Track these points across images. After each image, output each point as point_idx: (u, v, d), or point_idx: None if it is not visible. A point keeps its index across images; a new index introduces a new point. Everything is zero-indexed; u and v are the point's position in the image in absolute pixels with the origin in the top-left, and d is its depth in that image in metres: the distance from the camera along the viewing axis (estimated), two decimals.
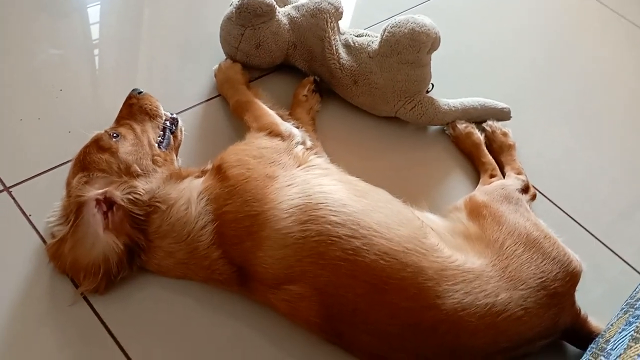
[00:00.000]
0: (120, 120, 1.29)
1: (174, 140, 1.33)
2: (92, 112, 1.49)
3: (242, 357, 1.15)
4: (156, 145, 1.26)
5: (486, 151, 1.55)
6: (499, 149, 1.56)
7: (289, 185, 1.14)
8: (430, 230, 1.17)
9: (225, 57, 1.61)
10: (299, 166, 1.22)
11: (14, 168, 1.32)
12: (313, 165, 1.23)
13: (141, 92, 1.33)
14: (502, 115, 1.65)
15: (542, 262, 1.15)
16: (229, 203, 1.12)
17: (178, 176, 1.21)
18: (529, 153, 1.61)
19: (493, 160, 1.54)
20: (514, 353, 1.12)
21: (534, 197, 1.47)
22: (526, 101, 1.79)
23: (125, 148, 1.20)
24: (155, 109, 1.31)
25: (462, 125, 1.57)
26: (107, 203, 1.13)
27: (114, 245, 1.10)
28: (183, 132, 1.36)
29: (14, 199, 1.27)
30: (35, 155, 1.35)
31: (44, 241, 1.21)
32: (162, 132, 1.30)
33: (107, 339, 1.12)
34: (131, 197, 1.13)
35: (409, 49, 1.46)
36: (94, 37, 1.69)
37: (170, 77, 1.62)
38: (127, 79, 1.60)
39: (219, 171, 1.18)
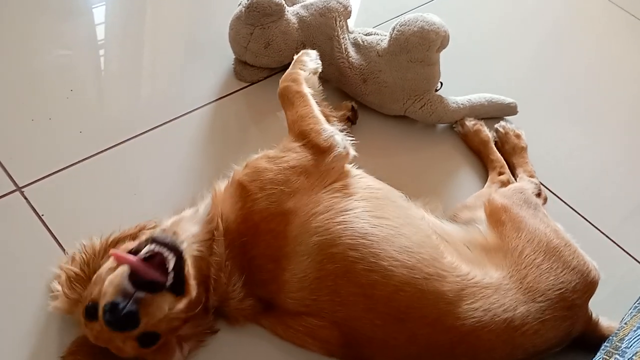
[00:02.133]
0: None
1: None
2: (102, 112, 1.50)
3: None
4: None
5: (495, 148, 1.55)
6: (512, 151, 1.56)
7: (309, 218, 1.09)
8: (446, 244, 1.16)
9: (233, 57, 1.62)
10: (326, 186, 1.14)
11: (26, 168, 1.32)
12: (343, 186, 1.16)
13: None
14: (509, 110, 1.65)
15: (562, 272, 1.13)
16: (254, 247, 1.09)
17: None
18: (537, 151, 1.61)
19: (502, 158, 1.53)
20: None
21: (545, 201, 1.47)
22: (533, 99, 1.78)
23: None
24: None
25: (470, 123, 1.57)
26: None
27: None
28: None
29: (26, 199, 1.28)
30: (47, 155, 1.36)
31: (57, 241, 1.22)
32: None
33: None
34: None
35: (419, 47, 1.46)
36: (100, 37, 1.69)
37: (177, 77, 1.62)
38: (135, 79, 1.61)
39: (240, 196, 1.10)
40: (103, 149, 1.39)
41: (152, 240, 1.00)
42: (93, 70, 1.61)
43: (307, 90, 1.26)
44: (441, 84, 1.58)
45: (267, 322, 1.15)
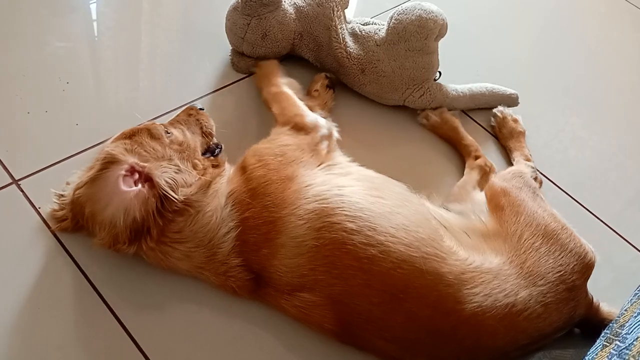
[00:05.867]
0: (175, 123, 1.27)
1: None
2: (99, 104, 1.49)
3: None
4: (199, 152, 1.24)
5: (466, 133, 1.53)
6: (509, 135, 1.56)
7: (307, 186, 1.12)
8: (445, 230, 1.16)
9: (230, 48, 1.61)
10: (320, 164, 1.21)
11: (23, 161, 1.32)
12: (335, 164, 1.22)
13: (202, 108, 1.33)
14: (510, 101, 1.65)
15: (560, 255, 1.13)
16: (250, 208, 1.11)
17: (210, 185, 1.18)
18: (537, 140, 1.61)
19: (474, 141, 1.52)
20: (530, 348, 1.11)
21: (540, 184, 1.47)
22: (533, 88, 1.78)
23: (173, 145, 1.19)
24: (210, 128, 1.30)
25: (435, 112, 1.55)
26: (142, 178, 1.10)
27: (134, 210, 1.06)
28: (225, 161, 1.28)
29: (22, 191, 1.27)
30: (43, 148, 1.35)
31: (53, 234, 1.21)
32: (207, 150, 1.29)
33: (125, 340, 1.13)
34: (170, 183, 1.10)
35: (417, 36, 1.45)
36: (97, 30, 1.68)
37: (174, 69, 1.61)
38: (132, 71, 1.60)
39: (244, 171, 1.17)
40: (100, 141, 1.38)
41: None
42: (89, 63, 1.60)
43: (286, 89, 1.38)
44: (440, 73, 1.57)
45: (261, 299, 1.15)
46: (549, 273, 1.10)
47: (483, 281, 1.07)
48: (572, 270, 1.12)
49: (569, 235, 1.17)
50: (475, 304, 1.04)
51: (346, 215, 1.07)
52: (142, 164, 1.11)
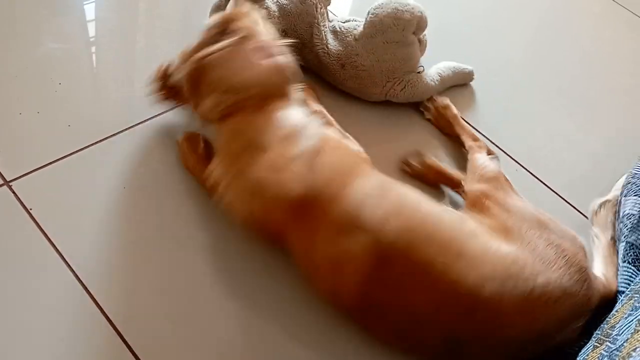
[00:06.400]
0: None
1: None
2: (92, 105, 1.48)
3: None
4: None
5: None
6: (448, 123, 1.57)
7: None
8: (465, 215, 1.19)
9: None
10: None
11: (14, 162, 1.31)
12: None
13: None
14: (469, 77, 1.70)
15: (559, 241, 1.14)
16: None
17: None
18: (529, 142, 1.61)
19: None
20: (548, 342, 1.10)
21: (497, 160, 1.48)
22: (528, 89, 1.78)
23: None
24: None
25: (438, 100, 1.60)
26: (271, 56, 1.23)
27: (265, 79, 1.21)
28: None
29: (14, 193, 1.27)
30: (35, 149, 1.34)
31: (45, 235, 1.21)
32: None
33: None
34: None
35: (393, 28, 1.47)
36: (92, 30, 1.68)
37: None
38: (126, 71, 1.60)
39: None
40: (92, 142, 1.38)
41: None
42: (83, 63, 1.59)
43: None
44: (423, 68, 1.59)
45: (294, 233, 1.15)
46: (558, 259, 1.10)
47: (503, 265, 1.06)
48: (574, 253, 1.13)
49: (557, 223, 1.20)
50: (494, 287, 1.04)
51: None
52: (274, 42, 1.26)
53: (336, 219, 1.11)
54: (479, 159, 1.41)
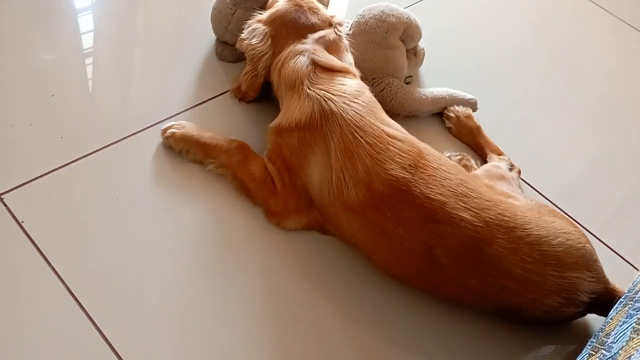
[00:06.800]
0: None
1: None
2: (84, 117, 1.47)
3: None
4: None
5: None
6: (469, 133, 1.59)
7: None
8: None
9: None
10: None
11: (6, 174, 1.30)
12: None
13: None
14: (470, 106, 1.67)
15: (566, 225, 1.22)
16: None
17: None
18: (526, 151, 1.62)
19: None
20: (549, 302, 1.17)
21: (519, 174, 1.52)
22: (523, 100, 1.79)
23: None
24: None
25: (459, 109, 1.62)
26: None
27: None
28: None
29: (6, 205, 1.25)
30: (27, 162, 1.33)
31: (37, 248, 1.20)
32: None
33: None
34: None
35: (377, 30, 1.51)
36: (86, 42, 1.67)
37: (162, 80, 1.60)
38: (118, 83, 1.59)
39: None
40: (84, 154, 1.37)
41: None
42: (76, 75, 1.59)
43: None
44: (411, 78, 1.60)
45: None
46: (568, 233, 1.19)
47: (525, 211, 1.20)
48: (578, 237, 1.21)
49: (559, 214, 1.28)
50: (523, 222, 1.16)
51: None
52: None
53: None
54: (496, 162, 1.48)
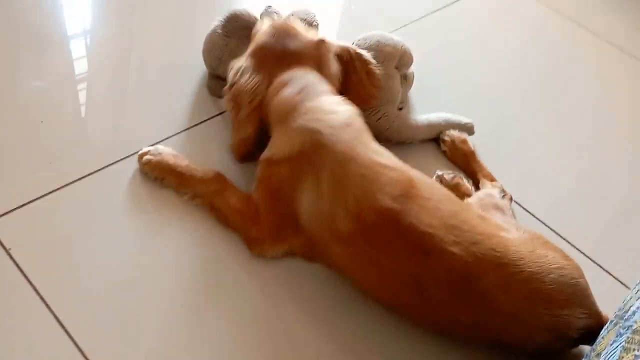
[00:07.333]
0: None
1: None
2: (73, 143, 1.47)
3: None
4: None
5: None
6: (462, 157, 1.60)
7: None
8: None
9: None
10: None
11: None
12: None
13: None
14: (467, 129, 1.67)
15: (558, 256, 1.21)
16: None
17: None
18: (516, 172, 1.63)
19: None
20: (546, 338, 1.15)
21: (510, 200, 1.51)
22: (513, 119, 1.81)
23: None
24: None
25: (453, 133, 1.62)
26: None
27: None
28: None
29: None
30: (15, 187, 1.33)
31: (24, 275, 1.19)
32: None
33: None
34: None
35: (374, 59, 1.49)
36: (75, 68, 1.68)
37: (151, 106, 1.60)
38: (108, 109, 1.60)
39: None
40: (73, 179, 1.37)
41: None
42: (66, 102, 1.59)
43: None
44: (403, 103, 1.60)
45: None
46: (561, 268, 1.17)
47: (518, 245, 1.17)
48: (576, 270, 1.21)
49: (552, 245, 1.26)
50: (515, 258, 1.13)
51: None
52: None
53: None
54: (489, 190, 1.47)
